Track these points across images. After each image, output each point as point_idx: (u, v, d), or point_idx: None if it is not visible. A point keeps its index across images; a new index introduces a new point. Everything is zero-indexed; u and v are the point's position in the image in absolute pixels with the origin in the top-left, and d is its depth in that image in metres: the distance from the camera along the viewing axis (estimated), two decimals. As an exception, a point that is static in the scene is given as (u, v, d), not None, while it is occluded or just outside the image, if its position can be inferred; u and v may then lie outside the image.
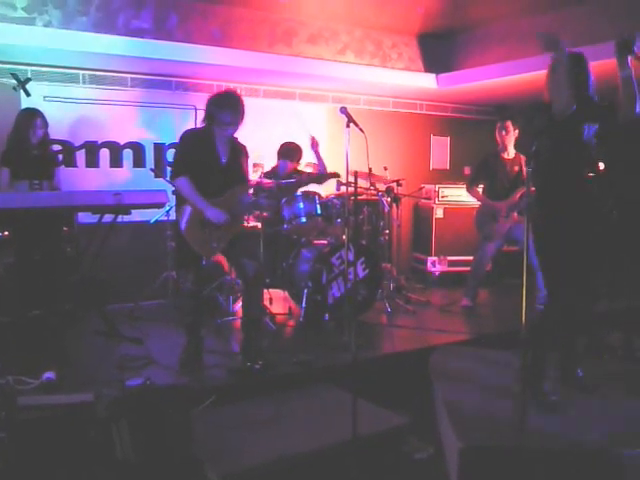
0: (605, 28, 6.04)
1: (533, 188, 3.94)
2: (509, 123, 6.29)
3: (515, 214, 6.22)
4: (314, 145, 6.23)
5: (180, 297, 5.38)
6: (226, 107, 4.47)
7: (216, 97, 4.56)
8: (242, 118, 4.55)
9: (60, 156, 5.84)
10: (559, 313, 3.87)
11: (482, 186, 6.49)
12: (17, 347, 4.65)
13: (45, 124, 5.50)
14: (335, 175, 5.90)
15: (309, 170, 6.68)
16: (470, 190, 6.53)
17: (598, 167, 3.94)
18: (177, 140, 4.73)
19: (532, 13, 6.72)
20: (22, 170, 5.24)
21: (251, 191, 5.21)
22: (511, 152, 6.35)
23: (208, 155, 4.56)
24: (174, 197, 4.76)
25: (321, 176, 6.02)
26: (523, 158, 6.29)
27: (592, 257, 3.88)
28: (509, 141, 6.31)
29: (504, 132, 6.29)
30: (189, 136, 4.67)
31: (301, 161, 6.53)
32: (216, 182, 4.56)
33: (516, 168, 6.30)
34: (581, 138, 3.76)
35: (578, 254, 3.79)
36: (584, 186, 3.83)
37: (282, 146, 6.48)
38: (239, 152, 4.75)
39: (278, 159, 6.46)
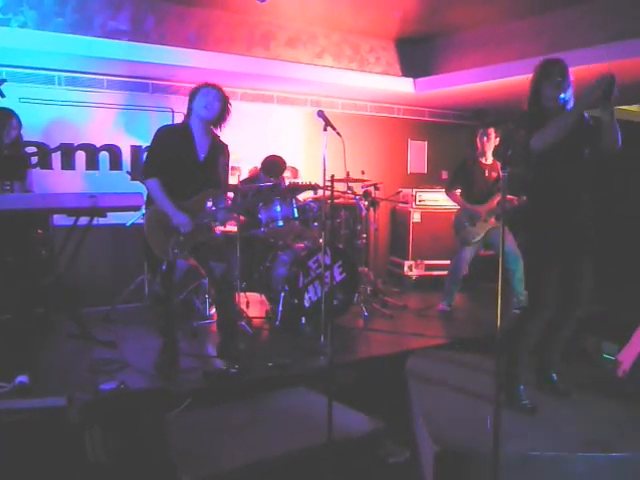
0: (583, 33, 6.10)
1: (509, 196, 3.96)
2: (491, 130, 6.33)
3: (493, 219, 6.25)
4: None
5: (150, 300, 5.34)
6: (207, 86, 4.46)
7: (196, 85, 4.54)
8: (225, 96, 4.53)
9: (33, 158, 5.77)
10: (539, 317, 3.88)
11: (459, 190, 6.51)
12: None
13: (19, 125, 5.44)
14: (313, 187, 5.91)
15: (287, 174, 6.68)
16: (449, 194, 6.55)
17: (587, 178, 3.95)
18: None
19: (509, 18, 6.77)
20: None
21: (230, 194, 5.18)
22: (489, 158, 6.39)
23: (185, 151, 4.47)
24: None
25: (297, 188, 6.00)
26: (499, 164, 6.33)
27: (579, 262, 3.90)
28: (489, 147, 6.35)
29: (485, 138, 6.33)
30: (165, 132, 4.57)
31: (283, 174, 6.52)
32: (191, 181, 4.47)
33: (494, 174, 6.34)
34: (575, 155, 3.80)
35: (567, 259, 3.82)
36: (575, 195, 3.84)
37: (265, 161, 6.45)
38: (219, 150, 4.63)
39: (261, 172, 6.43)
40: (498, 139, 6.34)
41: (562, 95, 3.74)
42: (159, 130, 4.59)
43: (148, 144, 6.47)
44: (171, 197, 4.40)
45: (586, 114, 3.79)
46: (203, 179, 4.53)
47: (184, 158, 4.47)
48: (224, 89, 4.60)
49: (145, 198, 4.66)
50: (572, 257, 3.84)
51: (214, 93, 4.47)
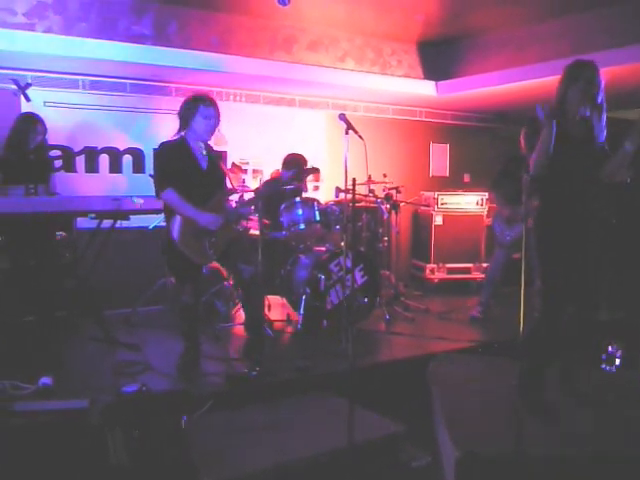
0: (604, 36, 6.06)
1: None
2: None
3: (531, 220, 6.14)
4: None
5: (178, 307, 5.37)
6: (204, 101, 4.48)
7: (187, 99, 4.56)
8: (219, 113, 4.55)
9: (57, 162, 5.83)
10: (553, 322, 3.85)
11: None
12: (14, 352, 4.64)
13: (44, 130, 5.51)
14: (315, 170, 5.87)
15: (309, 177, 6.68)
16: (492, 193, 6.50)
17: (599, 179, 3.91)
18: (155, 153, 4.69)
19: (532, 21, 6.73)
20: (18, 175, 5.18)
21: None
22: None
23: (188, 164, 4.53)
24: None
25: (302, 173, 6.00)
26: None
27: (592, 265, 3.86)
28: None
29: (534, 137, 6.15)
30: (166, 148, 4.61)
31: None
32: (200, 190, 4.51)
33: None
34: (589, 154, 3.77)
35: (578, 262, 3.78)
36: (588, 195, 3.81)
37: (287, 157, 6.47)
38: (217, 158, 4.73)
39: (283, 169, 6.44)
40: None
41: (585, 104, 3.71)
42: (159, 148, 4.66)
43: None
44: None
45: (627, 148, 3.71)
46: (210, 187, 4.60)
47: (189, 171, 4.53)
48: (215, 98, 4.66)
49: (164, 210, 4.68)
50: (584, 255, 3.79)
51: (214, 116, 4.52)
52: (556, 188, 3.77)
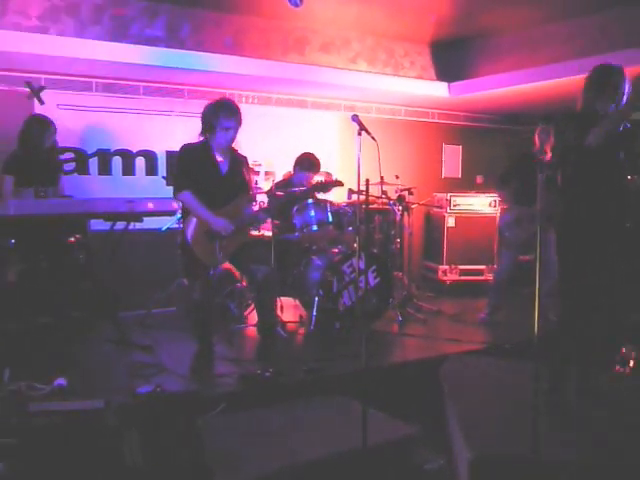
0: (617, 37, 6.04)
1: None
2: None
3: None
4: None
5: (189, 307, 5.40)
6: (225, 111, 4.51)
7: (213, 104, 4.60)
8: (241, 122, 4.58)
9: (68, 165, 5.86)
10: (574, 326, 3.85)
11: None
12: (29, 353, 4.67)
13: (55, 131, 5.53)
14: (339, 183, 5.88)
15: (321, 178, 6.68)
16: (500, 191, 6.40)
17: (625, 180, 3.92)
18: (176, 154, 4.75)
19: (544, 22, 6.71)
20: (28, 176, 5.21)
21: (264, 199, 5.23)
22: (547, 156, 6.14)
23: (208, 168, 4.62)
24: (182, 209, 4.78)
25: (326, 185, 6.01)
26: None
27: (612, 270, 3.85)
28: (548, 145, 6.06)
29: (544, 135, 5.93)
30: (188, 150, 4.69)
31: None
32: (218, 194, 4.61)
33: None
34: (611, 159, 3.77)
35: (599, 264, 3.78)
36: (607, 199, 3.80)
37: (300, 157, 6.46)
38: (239, 163, 4.79)
39: (295, 170, 6.45)
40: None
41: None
42: (183, 148, 4.73)
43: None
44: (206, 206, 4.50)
45: None
46: (229, 192, 4.68)
47: (208, 175, 4.63)
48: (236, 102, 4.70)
49: (181, 210, 4.75)
50: (603, 259, 3.78)
51: (233, 127, 4.57)
52: (581, 191, 3.77)
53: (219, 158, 4.65)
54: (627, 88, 3.75)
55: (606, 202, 3.78)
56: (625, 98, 3.75)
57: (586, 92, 3.83)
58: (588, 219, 3.76)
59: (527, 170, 6.00)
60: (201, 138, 4.69)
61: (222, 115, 4.50)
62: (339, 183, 5.84)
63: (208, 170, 4.60)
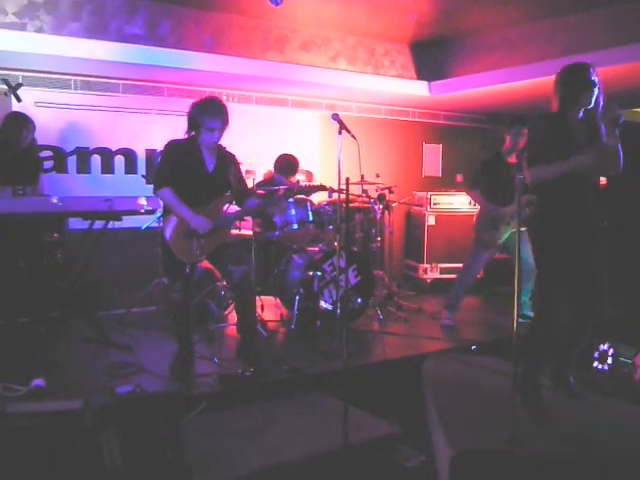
0: (598, 36, 6.08)
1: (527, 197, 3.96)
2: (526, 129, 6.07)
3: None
4: None
5: (168, 306, 5.37)
6: (210, 112, 4.46)
7: (199, 103, 4.54)
8: (227, 122, 4.55)
9: (47, 162, 5.79)
10: (552, 320, 3.87)
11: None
12: (6, 354, 4.62)
13: (33, 129, 5.47)
14: (323, 188, 5.87)
15: (302, 177, 6.68)
16: (471, 193, 6.29)
17: (599, 181, 3.93)
18: (162, 151, 4.69)
19: (524, 21, 6.75)
20: (6, 175, 5.12)
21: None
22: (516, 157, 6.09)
23: (194, 165, 4.57)
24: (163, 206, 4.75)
25: (309, 188, 6.00)
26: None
27: (592, 266, 3.86)
28: (518, 146, 5.99)
29: (520, 137, 5.95)
30: (174, 147, 4.63)
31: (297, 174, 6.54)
32: (202, 192, 4.58)
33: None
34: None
35: (577, 263, 3.79)
36: (585, 199, 3.82)
37: (279, 159, 6.46)
38: (227, 161, 4.73)
39: (275, 172, 6.44)
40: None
41: (587, 107, 3.75)
42: (167, 146, 4.66)
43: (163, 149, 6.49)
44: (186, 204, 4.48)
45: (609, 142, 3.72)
46: (213, 190, 4.64)
47: (193, 172, 4.58)
48: (224, 101, 4.63)
49: (162, 206, 4.73)
50: (583, 257, 3.80)
51: (218, 128, 4.50)
52: (559, 192, 3.78)
53: (206, 155, 4.61)
54: (597, 84, 3.76)
55: (582, 200, 3.79)
56: (597, 93, 3.76)
57: (559, 90, 3.84)
58: (567, 219, 3.77)
59: (496, 170, 6.06)
60: (186, 136, 4.63)
61: (207, 115, 4.44)
62: (323, 188, 5.84)
63: (194, 167, 4.56)
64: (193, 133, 4.58)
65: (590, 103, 3.75)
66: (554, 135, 3.73)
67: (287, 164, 6.39)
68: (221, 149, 4.72)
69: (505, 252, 6.35)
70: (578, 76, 3.79)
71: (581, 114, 3.80)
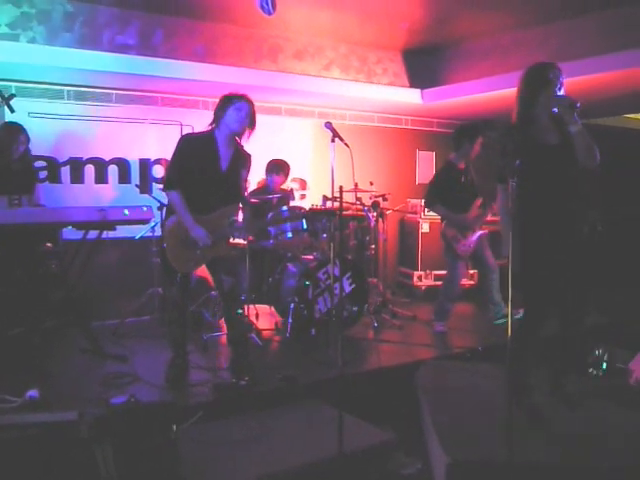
0: (585, 44, 6.11)
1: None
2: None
3: (477, 227, 6.05)
4: None
5: (166, 309, 5.36)
6: (240, 94, 4.44)
7: (222, 96, 4.51)
8: (254, 112, 4.50)
9: (42, 172, 5.79)
10: (535, 324, 3.87)
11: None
12: (0, 365, 4.60)
13: (27, 139, 5.46)
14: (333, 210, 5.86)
15: (295, 185, 6.69)
16: (434, 208, 6.16)
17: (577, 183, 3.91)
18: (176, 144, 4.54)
19: (516, 28, 6.78)
20: (1, 186, 5.09)
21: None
22: (464, 163, 6.14)
23: (208, 160, 4.46)
24: (160, 213, 4.72)
25: (316, 212, 5.96)
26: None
27: (573, 270, 3.87)
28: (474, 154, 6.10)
29: (473, 147, 6.04)
30: (188, 140, 4.58)
31: (289, 176, 6.56)
32: (211, 196, 4.48)
33: (466, 177, 6.09)
34: (565, 158, 3.76)
35: (558, 266, 3.79)
36: (559, 194, 3.80)
37: (269, 163, 6.52)
38: (242, 160, 4.62)
39: (266, 175, 6.47)
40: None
41: (557, 106, 3.72)
42: (183, 138, 4.59)
43: (157, 158, 6.49)
44: (192, 209, 4.42)
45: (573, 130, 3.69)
46: (225, 190, 4.53)
47: (206, 168, 4.47)
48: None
49: (165, 209, 4.69)
50: (564, 262, 3.79)
51: (247, 109, 4.45)
52: (534, 196, 3.76)
53: (222, 151, 4.52)
54: (559, 83, 3.75)
55: (564, 204, 3.78)
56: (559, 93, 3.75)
57: (524, 92, 3.83)
58: (545, 222, 3.76)
59: (450, 179, 6.04)
60: (206, 129, 4.58)
61: (236, 99, 4.40)
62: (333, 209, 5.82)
63: (207, 163, 4.46)
64: (213, 126, 4.52)
65: (556, 105, 3.71)
66: (513, 152, 3.64)
67: (275, 164, 6.47)
68: (239, 148, 4.63)
69: (473, 260, 6.35)
70: (536, 75, 3.80)
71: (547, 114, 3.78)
